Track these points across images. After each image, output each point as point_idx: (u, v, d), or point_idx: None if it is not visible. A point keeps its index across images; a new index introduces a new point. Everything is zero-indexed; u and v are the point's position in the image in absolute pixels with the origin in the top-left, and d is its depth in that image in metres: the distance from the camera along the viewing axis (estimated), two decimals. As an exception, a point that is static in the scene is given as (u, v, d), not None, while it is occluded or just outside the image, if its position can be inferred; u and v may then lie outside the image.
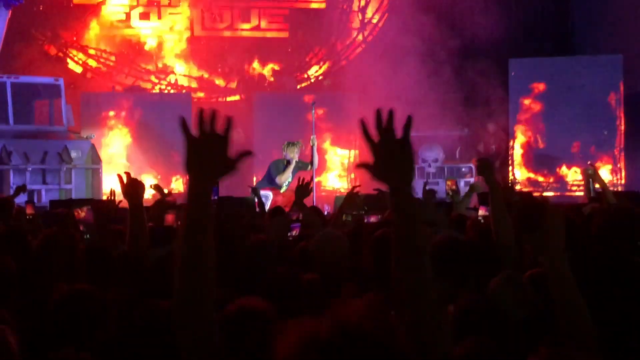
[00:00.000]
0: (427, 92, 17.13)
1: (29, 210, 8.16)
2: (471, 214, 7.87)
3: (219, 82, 20.16)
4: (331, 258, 4.70)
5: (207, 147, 2.41)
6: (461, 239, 4.57)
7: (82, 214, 5.72)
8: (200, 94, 19.61)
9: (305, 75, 20.59)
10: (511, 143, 17.94)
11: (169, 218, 7.48)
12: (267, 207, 11.04)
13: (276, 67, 20.51)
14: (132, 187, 4.51)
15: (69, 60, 19.25)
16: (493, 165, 5.33)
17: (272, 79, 20.33)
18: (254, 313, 3.15)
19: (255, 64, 20.40)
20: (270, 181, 13.53)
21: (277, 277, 4.07)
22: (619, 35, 18.46)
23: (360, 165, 2.43)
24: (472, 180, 16.10)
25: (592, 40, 19.64)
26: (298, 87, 20.27)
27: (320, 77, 20.45)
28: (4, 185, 14.35)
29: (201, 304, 2.40)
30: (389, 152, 2.31)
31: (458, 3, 18.70)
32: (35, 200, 14.21)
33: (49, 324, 3.50)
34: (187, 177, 2.41)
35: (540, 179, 17.94)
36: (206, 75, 20.19)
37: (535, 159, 18.21)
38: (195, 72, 20.07)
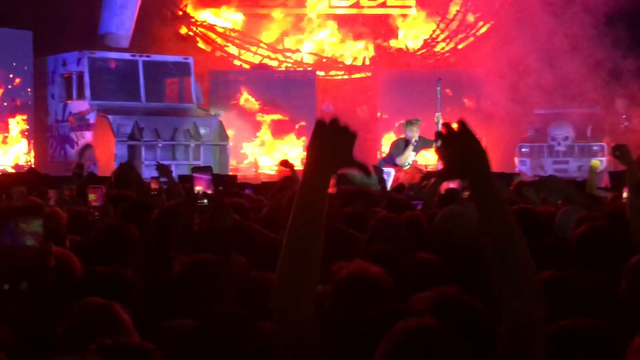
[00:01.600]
0: (558, 69, 16.92)
1: (154, 185, 8.33)
2: (601, 194, 7.71)
3: (344, 59, 20.35)
4: (454, 238, 4.49)
5: (336, 136, 2.39)
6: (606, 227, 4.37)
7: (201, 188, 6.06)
8: (323, 73, 19.76)
9: (432, 52, 20.61)
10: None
11: None
12: (389, 184, 11.02)
13: (402, 46, 20.58)
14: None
15: (198, 39, 19.76)
16: (629, 148, 5.03)
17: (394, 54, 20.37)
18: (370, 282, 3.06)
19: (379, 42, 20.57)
20: (391, 161, 13.59)
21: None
22: None
23: (428, 176, 2.62)
24: (603, 159, 15.74)
25: None
26: (424, 64, 20.26)
27: (447, 54, 20.46)
28: (136, 160, 14.73)
29: (302, 286, 2.40)
30: (453, 150, 2.25)
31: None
32: (166, 175, 14.93)
33: (169, 292, 3.51)
34: (307, 160, 2.38)
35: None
36: (332, 53, 20.44)
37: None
38: (322, 50, 20.37)
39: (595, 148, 16.51)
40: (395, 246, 4.41)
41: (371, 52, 20.36)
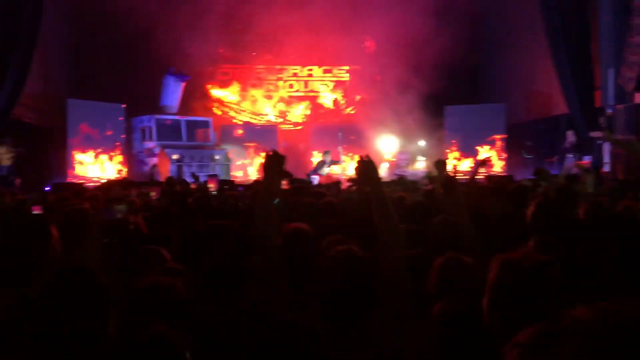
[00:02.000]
0: (405, 127, 17.29)
1: (193, 186, 8.30)
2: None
3: (293, 118, 20.79)
4: (349, 211, 4.40)
5: (273, 160, 2.53)
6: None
7: (212, 186, 6.40)
8: (282, 126, 20.24)
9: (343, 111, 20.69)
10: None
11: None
12: (315, 183, 12.34)
13: (324, 104, 20.83)
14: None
15: (214, 108, 20.43)
16: (445, 163, 4.82)
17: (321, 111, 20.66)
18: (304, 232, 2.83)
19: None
20: (315, 172, 14.78)
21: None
22: (503, 87, 17.80)
23: (352, 180, 2.78)
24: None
25: (487, 94, 18.87)
26: (335, 119, 20.46)
27: (352, 111, 20.48)
28: (181, 173, 15.56)
29: (268, 213, 2.42)
30: (363, 169, 2.40)
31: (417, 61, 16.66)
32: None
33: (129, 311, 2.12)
34: (261, 173, 2.44)
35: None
36: (285, 110, 20.73)
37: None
38: (279, 112, 20.75)
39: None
40: (313, 218, 4.14)
41: (307, 110, 20.73)
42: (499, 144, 17.08)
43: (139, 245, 3.01)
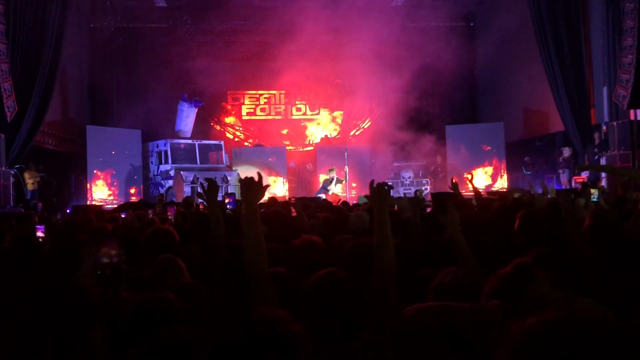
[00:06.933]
0: (408, 147, 17.85)
1: (201, 207, 8.34)
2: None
3: (300, 139, 21.03)
4: (359, 226, 4.51)
5: (249, 185, 2.45)
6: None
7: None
8: (289, 147, 20.22)
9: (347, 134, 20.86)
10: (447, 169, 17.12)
11: None
12: None
13: (329, 135, 20.97)
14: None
15: (226, 133, 20.65)
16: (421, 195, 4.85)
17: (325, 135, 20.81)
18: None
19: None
20: (324, 189, 14.91)
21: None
22: (500, 108, 18.22)
23: (367, 197, 2.75)
24: (428, 187, 16.54)
25: (486, 112, 19.31)
26: (342, 140, 20.54)
27: (351, 138, 20.69)
28: (194, 195, 14.90)
29: (258, 254, 2.31)
30: (376, 192, 2.42)
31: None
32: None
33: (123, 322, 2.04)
34: (243, 196, 2.40)
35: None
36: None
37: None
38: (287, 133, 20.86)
39: (424, 182, 17.22)
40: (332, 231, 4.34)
41: (315, 135, 20.88)
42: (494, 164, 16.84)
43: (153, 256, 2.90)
